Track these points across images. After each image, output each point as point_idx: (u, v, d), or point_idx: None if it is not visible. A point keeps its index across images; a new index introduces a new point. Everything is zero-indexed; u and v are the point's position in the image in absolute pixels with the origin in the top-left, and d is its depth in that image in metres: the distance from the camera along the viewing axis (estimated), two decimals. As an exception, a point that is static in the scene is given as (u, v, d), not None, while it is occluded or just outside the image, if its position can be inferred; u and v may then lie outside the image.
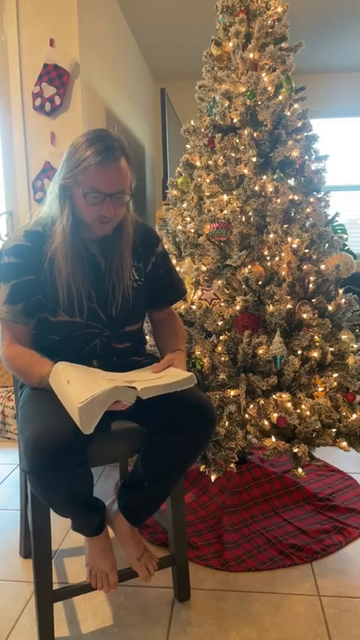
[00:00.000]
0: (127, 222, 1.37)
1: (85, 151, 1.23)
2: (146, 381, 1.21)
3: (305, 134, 1.98)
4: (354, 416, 1.78)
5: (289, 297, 1.80)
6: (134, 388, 1.15)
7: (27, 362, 1.29)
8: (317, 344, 1.78)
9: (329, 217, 2.03)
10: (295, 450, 1.68)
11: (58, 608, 1.46)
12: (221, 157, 1.93)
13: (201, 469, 1.73)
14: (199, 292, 1.85)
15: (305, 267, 1.86)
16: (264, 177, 1.89)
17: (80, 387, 1.12)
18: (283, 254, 1.83)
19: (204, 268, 1.92)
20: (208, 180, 1.97)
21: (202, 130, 2.01)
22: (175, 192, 2.14)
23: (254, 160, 1.87)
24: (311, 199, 1.95)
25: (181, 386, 1.21)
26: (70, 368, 1.24)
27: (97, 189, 1.23)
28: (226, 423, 1.71)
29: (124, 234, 1.36)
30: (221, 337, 1.81)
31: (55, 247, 1.28)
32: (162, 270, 1.49)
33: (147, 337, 1.60)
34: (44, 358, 1.29)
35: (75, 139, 1.27)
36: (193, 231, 1.98)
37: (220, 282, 1.86)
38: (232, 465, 1.69)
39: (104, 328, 1.37)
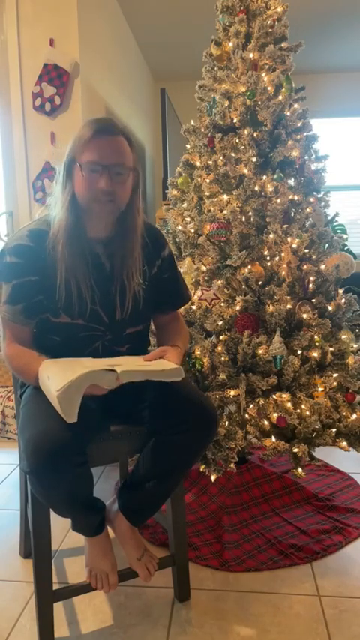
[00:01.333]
0: (137, 223, 1.34)
1: (84, 128, 1.25)
2: (130, 365, 1.18)
3: (305, 134, 1.98)
4: (354, 416, 1.78)
5: (289, 297, 1.80)
6: (114, 371, 1.12)
7: (25, 361, 1.29)
8: (317, 344, 1.78)
9: (329, 217, 2.03)
10: (295, 450, 1.68)
11: (58, 608, 1.46)
12: (221, 157, 1.93)
13: (201, 469, 1.73)
14: (199, 292, 1.85)
15: (305, 267, 1.86)
16: (264, 177, 1.89)
17: (59, 378, 1.11)
18: (283, 254, 1.83)
19: (204, 268, 1.92)
20: (208, 180, 1.97)
21: (202, 130, 2.01)
22: (175, 192, 2.14)
23: (254, 159, 1.87)
24: (311, 199, 1.95)
25: (166, 376, 1.17)
26: (52, 364, 1.22)
27: (92, 160, 1.23)
28: (226, 423, 1.71)
29: (133, 234, 1.33)
30: (221, 337, 1.81)
31: (54, 233, 1.26)
32: (167, 274, 1.46)
33: (150, 339, 1.59)
34: (41, 357, 1.28)
35: None
36: (193, 231, 1.98)
37: (220, 282, 1.86)
38: (232, 465, 1.68)
39: (106, 331, 1.35)
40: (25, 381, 1.32)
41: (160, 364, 1.23)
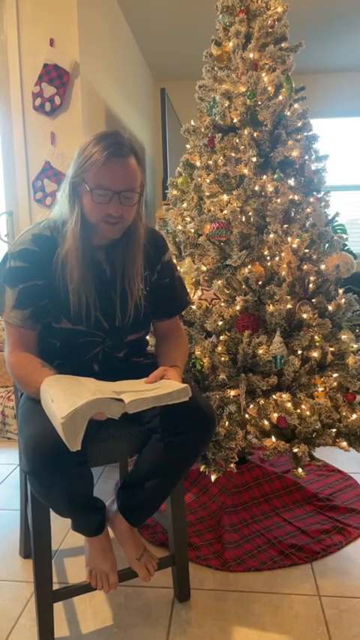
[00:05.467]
0: (139, 230, 1.33)
1: (93, 147, 1.21)
2: (136, 392, 1.15)
3: (305, 134, 1.98)
4: (354, 416, 1.78)
5: (289, 297, 1.80)
6: (121, 400, 1.10)
7: (26, 370, 1.26)
8: (317, 344, 1.78)
9: (329, 217, 2.03)
10: (295, 450, 1.68)
11: (58, 608, 1.46)
12: (221, 157, 1.93)
13: (201, 469, 1.73)
14: (199, 292, 1.85)
15: (305, 267, 1.86)
16: (264, 177, 1.89)
17: (63, 402, 1.08)
18: (283, 254, 1.83)
19: (204, 268, 1.92)
20: (208, 180, 1.97)
21: (202, 130, 2.01)
22: (175, 192, 2.14)
23: (254, 160, 1.87)
24: (311, 199, 1.95)
25: (173, 399, 1.15)
26: (56, 385, 1.18)
27: (104, 185, 1.20)
28: (226, 423, 1.71)
29: (135, 241, 1.32)
30: (221, 337, 1.81)
31: (67, 251, 1.25)
32: (166, 279, 1.44)
33: (148, 338, 1.59)
34: (44, 368, 1.25)
35: (85, 139, 1.25)
36: (193, 231, 1.98)
37: (220, 282, 1.86)
38: (232, 465, 1.68)
39: (107, 337, 1.35)
40: (24, 391, 1.30)
41: (165, 386, 1.20)
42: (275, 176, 1.87)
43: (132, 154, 1.23)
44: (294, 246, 1.83)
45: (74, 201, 1.25)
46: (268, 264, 1.85)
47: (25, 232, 1.31)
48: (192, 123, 2.11)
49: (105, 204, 1.22)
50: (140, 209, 1.32)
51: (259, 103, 1.90)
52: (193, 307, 1.87)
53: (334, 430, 1.75)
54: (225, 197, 1.92)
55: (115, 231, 1.27)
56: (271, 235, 1.83)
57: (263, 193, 1.88)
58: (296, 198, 1.91)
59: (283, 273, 1.82)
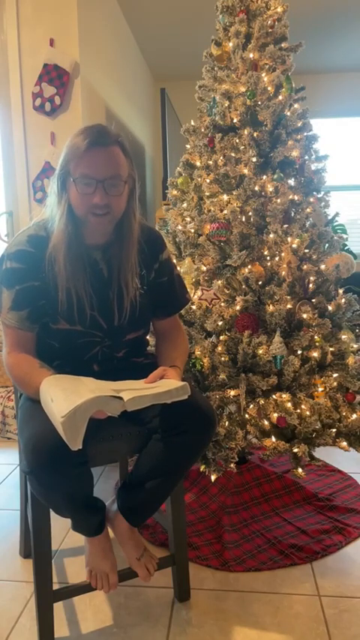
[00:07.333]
0: (133, 227, 1.32)
1: (77, 138, 1.22)
2: (135, 390, 1.15)
3: (305, 134, 1.98)
4: (354, 416, 1.78)
5: (289, 297, 1.80)
6: (120, 398, 1.11)
7: (25, 370, 1.26)
8: (317, 344, 1.78)
9: (329, 217, 2.03)
10: (295, 450, 1.68)
11: (58, 608, 1.46)
12: (221, 157, 1.93)
13: (201, 469, 1.73)
14: (199, 292, 1.85)
15: (305, 267, 1.86)
16: (264, 177, 1.89)
17: (63, 402, 1.07)
18: (283, 254, 1.83)
19: (204, 268, 1.92)
20: (208, 180, 1.97)
21: (202, 130, 2.01)
22: (175, 192, 2.14)
23: (254, 160, 1.87)
24: (311, 199, 1.95)
25: (172, 396, 1.15)
26: (55, 384, 1.17)
27: (86, 174, 1.20)
28: (226, 423, 1.71)
29: (129, 239, 1.32)
30: (221, 337, 1.81)
31: (54, 246, 1.25)
32: (164, 278, 1.44)
33: (148, 338, 1.59)
34: (43, 369, 1.25)
35: None
36: (193, 231, 1.98)
37: (220, 282, 1.86)
38: (232, 465, 1.68)
39: (105, 337, 1.34)
40: (24, 391, 1.30)
41: (164, 385, 1.20)
42: (275, 176, 1.87)
43: (116, 144, 1.23)
44: (294, 246, 1.83)
45: (62, 196, 1.25)
46: (268, 264, 1.85)
47: (21, 233, 1.31)
48: (192, 123, 2.11)
49: (90, 195, 1.21)
50: (133, 205, 1.32)
51: (259, 103, 1.90)
52: (193, 307, 1.87)
53: (334, 430, 1.75)
54: (225, 197, 1.92)
55: (105, 223, 1.26)
56: (271, 235, 1.83)
57: (263, 193, 1.88)
58: (296, 198, 1.91)
59: (283, 273, 1.82)
